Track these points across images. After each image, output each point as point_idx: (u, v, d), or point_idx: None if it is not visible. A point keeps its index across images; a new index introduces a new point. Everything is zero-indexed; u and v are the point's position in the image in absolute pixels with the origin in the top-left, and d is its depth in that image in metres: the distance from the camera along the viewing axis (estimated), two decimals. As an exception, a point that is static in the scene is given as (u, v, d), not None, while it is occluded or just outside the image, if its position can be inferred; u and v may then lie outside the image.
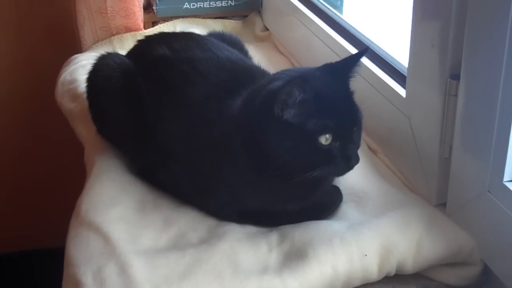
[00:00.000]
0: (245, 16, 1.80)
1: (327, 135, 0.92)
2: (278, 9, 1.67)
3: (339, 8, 1.51)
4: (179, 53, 1.14)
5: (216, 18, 1.77)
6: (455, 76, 0.96)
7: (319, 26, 1.42)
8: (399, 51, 1.19)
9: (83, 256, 0.96)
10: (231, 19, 1.79)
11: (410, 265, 0.96)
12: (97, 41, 1.66)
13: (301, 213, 1.02)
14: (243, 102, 1.00)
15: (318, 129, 0.92)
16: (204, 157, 1.02)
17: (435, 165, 1.03)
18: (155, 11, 1.72)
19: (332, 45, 1.36)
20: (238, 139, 0.98)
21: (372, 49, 1.24)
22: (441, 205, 1.04)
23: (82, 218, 1.04)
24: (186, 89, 1.08)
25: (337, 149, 0.93)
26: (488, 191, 0.92)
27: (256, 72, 1.11)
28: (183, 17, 1.73)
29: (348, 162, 0.94)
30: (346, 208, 1.06)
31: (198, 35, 1.25)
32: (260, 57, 1.47)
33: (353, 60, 0.98)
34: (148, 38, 1.27)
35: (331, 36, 1.36)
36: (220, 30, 1.35)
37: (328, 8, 1.47)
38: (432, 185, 1.05)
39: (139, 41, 1.27)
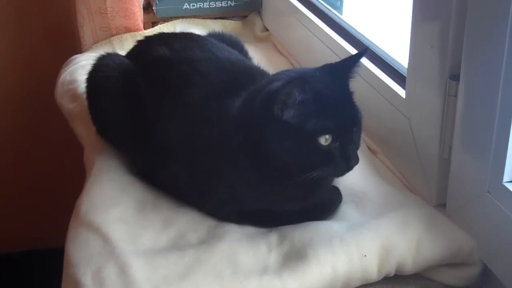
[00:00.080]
0: (245, 17, 1.80)
1: (327, 136, 0.92)
2: (278, 9, 1.67)
3: (339, 8, 1.51)
4: (178, 54, 1.14)
5: (216, 18, 1.77)
6: (455, 77, 0.96)
7: (319, 27, 1.42)
8: (399, 51, 1.19)
9: (83, 256, 0.96)
10: (231, 19, 1.79)
11: (409, 266, 0.96)
12: (96, 41, 1.66)
13: (300, 213, 1.02)
14: (242, 102, 1.00)
15: (318, 130, 0.92)
16: (204, 157, 1.02)
17: (435, 165, 1.03)
18: (154, 11, 1.72)
19: (332, 46, 1.36)
20: (237, 140, 0.98)
21: (372, 49, 1.24)
22: (441, 206, 1.04)
23: (81, 219, 1.04)
24: (186, 89, 1.08)
25: (336, 149, 0.93)
26: (488, 192, 0.92)
27: (255, 73, 1.11)
28: (182, 17, 1.73)
29: (348, 163, 0.94)
30: (346, 209, 1.06)
31: (198, 36, 1.25)
32: (259, 57, 1.47)
33: (352, 61, 0.98)
34: (148, 38, 1.27)
35: (331, 37, 1.36)
36: (220, 31, 1.35)
37: (328, 9, 1.47)
38: (431, 185, 1.05)
39: (139, 41, 1.27)
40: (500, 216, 0.90)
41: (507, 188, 0.89)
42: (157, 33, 1.34)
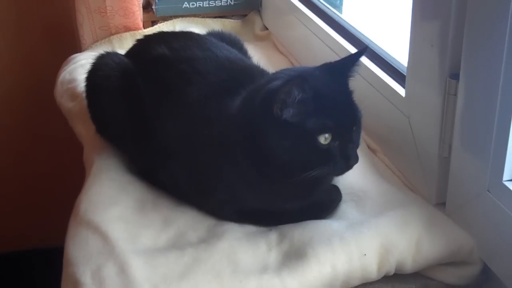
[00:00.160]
0: (245, 15, 1.80)
1: (326, 135, 0.92)
2: (278, 8, 1.67)
3: (339, 7, 1.51)
4: (178, 53, 1.14)
5: (215, 17, 1.77)
6: (455, 76, 0.96)
7: (319, 26, 1.42)
8: (399, 50, 1.19)
9: (82, 255, 0.96)
10: (230, 18, 1.79)
11: (409, 265, 0.96)
12: (96, 40, 1.66)
13: (300, 212, 1.02)
14: (242, 101, 1.00)
15: (317, 129, 0.92)
16: (203, 156, 1.02)
17: (435, 164, 1.03)
18: (154, 10, 1.72)
19: (331, 45, 1.36)
20: (237, 139, 0.98)
21: (372, 48, 1.24)
22: (441, 205, 1.04)
23: (81, 218, 1.03)
24: (185, 88, 1.08)
25: (336, 148, 0.93)
26: (488, 191, 0.92)
27: (255, 72, 1.11)
28: (182, 16, 1.73)
29: (347, 162, 0.94)
30: (346, 208, 1.06)
31: (197, 35, 1.25)
32: (259, 56, 1.47)
33: (352, 60, 0.98)
34: (147, 37, 1.27)
35: (331, 36, 1.36)
36: (220, 30, 1.35)
37: (328, 8, 1.47)
38: (431, 184, 1.05)
39: (138, 40, 1.27)
40: (500, 215, 0.90)
41: (507, 187, 0.89)
42: (156, 32, 1.34)
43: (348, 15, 1.44)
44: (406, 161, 1.13)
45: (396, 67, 1.18)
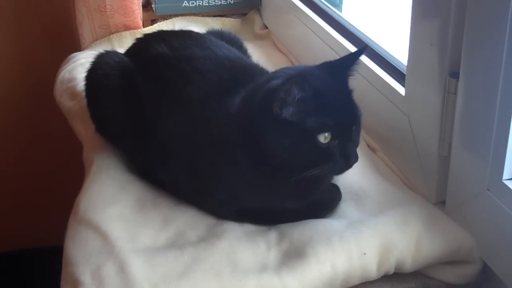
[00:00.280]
0: (244, 14, 1.80)
1: (326, 134, 0.92)
2: (277, 7, 1.67)
3: (338, 6, 1.50)
4: (177, 51, 1.14)
5: (215, 16, 1.77)
6: (454, 74, 0.96)
7: (318, 24, 1.42)
8: (398, 49, 1.18)
9: (82, 254, 0.96)
10: (230, 17, 1.79)
11: (409, 264, 0.96)
12: (96, 39, 1.66)
13: (300, 211, 1.02)
14: (242, 100, 1.00)
15: (317, 128, 0.92)
16: (203, 155, 1.02)
17: (434, 163, 1.03)
18: (154, 9, 1.72)
19: (331, 43, 1.36)
20: (236, 138, 0.98)
21: (371, 47, 1.24)
22: (440, 203, 1.04)
23: (80, 217, 1.03)
24: (185, 87, 1.08)
25: (336, 147, 0.93)
26: (487, 189, 0.92)
27: (255, 70, 1.11)
28: (182, 15, 1.73)
29: (347, 161, 0.94)
30: (345, 207, 1.06)
31: (197, 33, 1.25)
32: (259, 55, 1.47)
33: (352, 58, 0.98)
34: (147, 36, 1.27)
35: (330, 34, 1.36)
36: (219, 28, 1.35)
37: (327, 6, 1.47)
38: (431, 183, 1.05)
39: (138, 39, 1.27)
40: (500, 214, 0.90)
41: (507, 186, 0.89)
42: (156, 31, 1.34)
43: (348, 14, 1.44)
44: (405, 160, 1.13)
45: (396, 66, 1.18)
